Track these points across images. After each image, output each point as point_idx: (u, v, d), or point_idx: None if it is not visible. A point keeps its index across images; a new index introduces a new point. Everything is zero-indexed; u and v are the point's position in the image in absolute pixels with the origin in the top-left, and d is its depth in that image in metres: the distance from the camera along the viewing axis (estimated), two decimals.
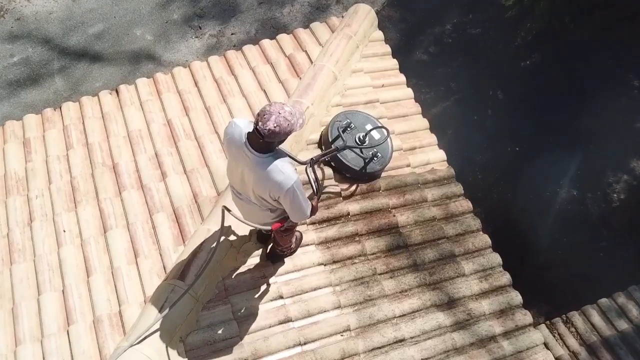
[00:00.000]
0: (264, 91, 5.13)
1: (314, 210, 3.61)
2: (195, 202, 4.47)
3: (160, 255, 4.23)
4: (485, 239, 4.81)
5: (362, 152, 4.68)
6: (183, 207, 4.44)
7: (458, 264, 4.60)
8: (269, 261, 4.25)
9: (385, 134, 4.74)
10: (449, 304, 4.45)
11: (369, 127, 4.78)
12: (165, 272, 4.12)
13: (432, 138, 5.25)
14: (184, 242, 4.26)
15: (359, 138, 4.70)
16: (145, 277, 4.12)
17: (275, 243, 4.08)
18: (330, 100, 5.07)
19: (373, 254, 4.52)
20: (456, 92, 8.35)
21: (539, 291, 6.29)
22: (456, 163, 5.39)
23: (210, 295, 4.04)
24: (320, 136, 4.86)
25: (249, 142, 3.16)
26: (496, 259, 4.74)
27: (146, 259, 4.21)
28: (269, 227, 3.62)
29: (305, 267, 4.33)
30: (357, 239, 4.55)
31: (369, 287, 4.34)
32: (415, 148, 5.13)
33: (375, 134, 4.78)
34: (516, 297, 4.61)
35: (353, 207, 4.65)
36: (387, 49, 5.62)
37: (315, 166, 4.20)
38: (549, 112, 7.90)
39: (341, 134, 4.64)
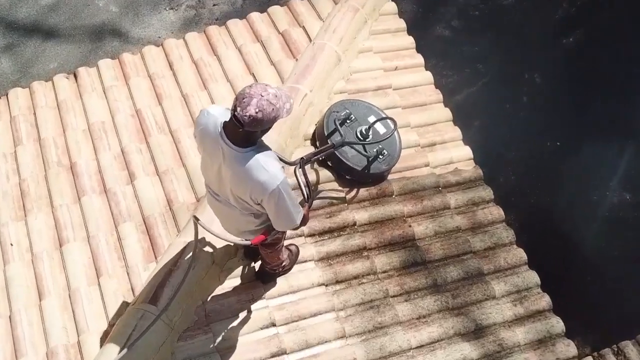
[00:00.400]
0: (253, 75, 5.13)
1: (304, 220, 3.59)
2: (170, 209, 4.47)
3: (128, 273, 4.23)
4: (519, 254, 4.81)
5: (364, 149, 4.68)
6: (155, 216, 4.43)
7: (487, 285, 4.60)
8: (258, 281, 4.24)
9: (392, 126, 4.74)
10: (476, 332, 4.44)
11: (372, 118, 4.78)
12: (133, 294, 4.12)
13: (456, 132, 5.25)
14: (155, 258, 4.26)
15: (361, 132, 4.71)
16: (110, 300, 4.12)
17: (263, 260, 4.07)
18: (332, 87, 5.06)
19: (384, 272, 4.51)
20: (484, 74, 8.32)
21: (585, 316, 6.27)
22: (485, 162, 5.38)
23: (188, 323, 4.03)
24: (314, 130, 4.85)
25: (226, 133, 3.14)
26: (533, 277, 4.73)
27: (110, 279, 4.20)
28: (248, 242, 3.60)
29: (302, 288, 4.32)
30: (365, 254, 4.55)
31: (380, 312, 4.33)
32: (436, 144, 5.13)
33: (380, 127, 4.78)
34: (557, 324, 4.60)
35: (360, 215, 4.64)
36: (402, 24, 5.63)
37: (308, 167, 4.19)
38: (596, 99, 7.88)
39: (339, 127, 4.63)
